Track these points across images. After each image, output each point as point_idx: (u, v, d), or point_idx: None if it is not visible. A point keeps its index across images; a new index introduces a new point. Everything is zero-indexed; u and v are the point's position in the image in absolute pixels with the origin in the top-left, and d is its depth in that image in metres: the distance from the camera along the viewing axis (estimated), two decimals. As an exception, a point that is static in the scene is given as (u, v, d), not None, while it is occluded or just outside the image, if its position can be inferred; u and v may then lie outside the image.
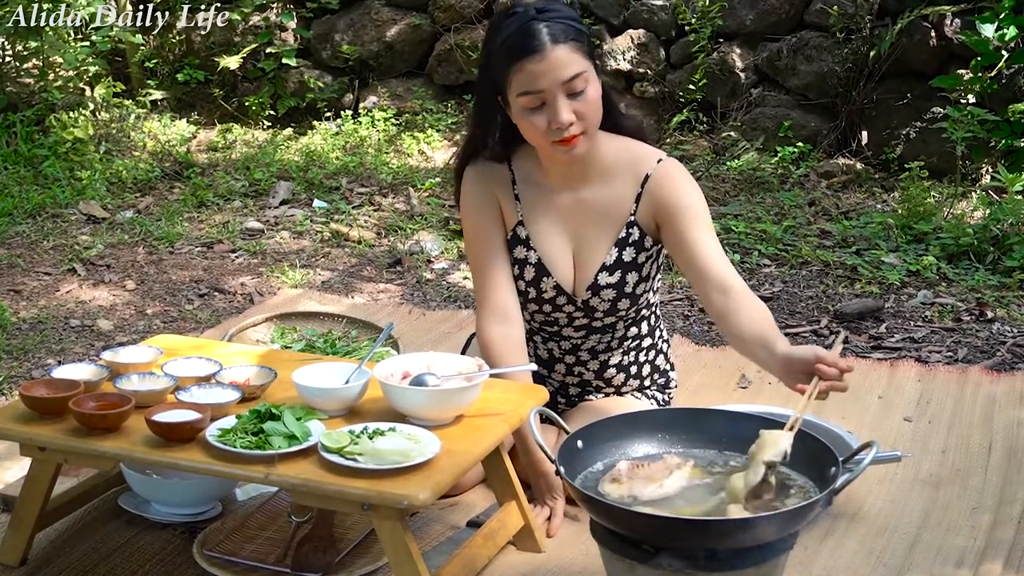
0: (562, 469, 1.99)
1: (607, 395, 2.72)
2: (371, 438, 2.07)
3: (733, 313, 2.30)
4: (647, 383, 2.73)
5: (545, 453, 2.11)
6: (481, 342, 2.57)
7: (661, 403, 2.75)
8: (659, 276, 2.65)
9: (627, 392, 2.72)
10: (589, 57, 2.39)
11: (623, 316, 2.61)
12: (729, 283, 2.34)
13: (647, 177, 2.51)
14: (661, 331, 2.76)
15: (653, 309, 2.70)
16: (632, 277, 2.55)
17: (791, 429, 2.00)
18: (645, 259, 2.56)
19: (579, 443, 2.09)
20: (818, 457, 2.01)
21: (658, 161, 2.52)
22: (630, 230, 2.53)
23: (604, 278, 2.55)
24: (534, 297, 2.60)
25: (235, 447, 2.05)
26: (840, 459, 1.97)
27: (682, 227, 2.44)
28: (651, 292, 2.63)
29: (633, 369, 2.70)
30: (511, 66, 2.36)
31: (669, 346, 2.81)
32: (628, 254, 2.54)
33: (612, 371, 2.69)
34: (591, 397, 2.72)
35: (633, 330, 2.67)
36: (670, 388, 2.78)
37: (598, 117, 2.42)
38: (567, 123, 2.36)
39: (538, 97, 2.36)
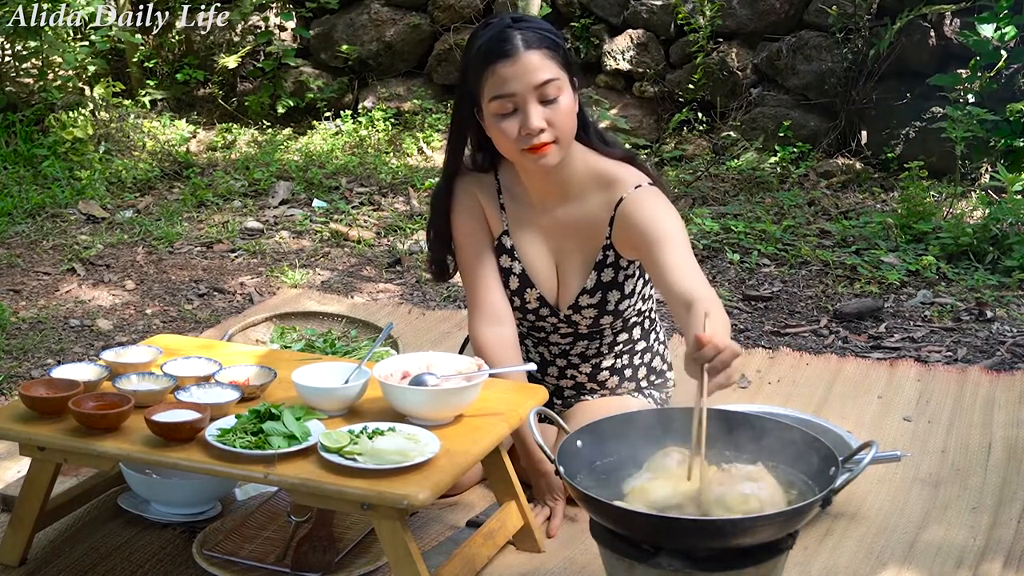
0: (562, 469, 1.99)
1: (603, 395, 2.72)
2: (371, 438, 2.07)
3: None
4: (643, 384, 2.73)
5: (545, 453, 2.11)
6: (475, 344, 2.58)
7: (659, 402, 2.75)
8: (648, 288, 2.64)
9: (623, 393, 2.72)
10: (564, 69, 2.39)
11: (610, 325, 2.62)
12: (691, 296, 2.15)
13: (620, 201, 2.47)
14: (657, 333, 2.76)
15: (646, 314, 2.70)
16: (614, 296, 2.56)
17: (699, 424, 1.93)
18: (624, 278, 2.55)
19: (579, 443, 2.09)
20: (818, 457, 2.01)
21: (636, 187, 2.47)
22: (607, 252, 2.53)
23: (585, 299, 2.56)
24: (518, 306, 2.61)
25: (234, 447, 2.05)
26: (840, 459, 1.97)
27: (653, 254, 2.35)
28: (640, 301, 2.63)
29: (628, 372, 2.70)
30: (484, 70, 2.37)
31: (666, 347, 2.81)
32: (607, 275, 2.54)
33: (605, 374, 2.69)
34: (587, 398, 2.72)
35: (623, 336, 2.67)
36: (668, 387, 2.78)
37: (570, 128, 2.40)
38: (537, 129, 2.35)
39: (510, 101, 2.36)
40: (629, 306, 2.59)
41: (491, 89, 2.37)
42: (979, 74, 4.99)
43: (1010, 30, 4.84)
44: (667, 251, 2.32)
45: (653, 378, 2.74)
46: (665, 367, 2.78)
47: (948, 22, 5.29)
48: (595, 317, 2.57)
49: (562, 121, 2.37)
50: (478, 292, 2.58)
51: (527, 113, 2.35)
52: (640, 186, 2.47)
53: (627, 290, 2.56)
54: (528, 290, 2.59)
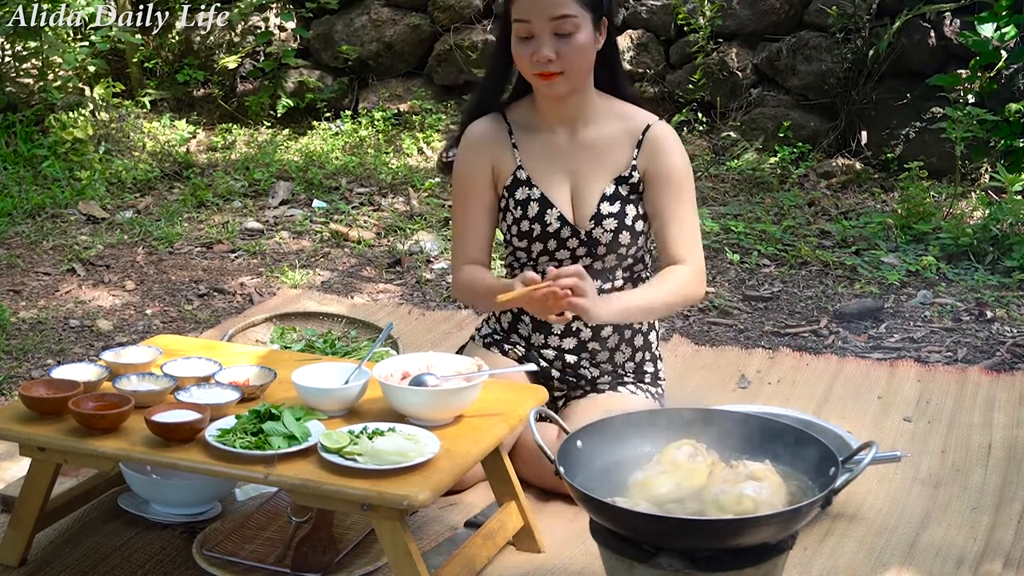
0: (562, 469, 1.99)
1: (601, 371, 2.73)
2: (371, 438, 2.07)
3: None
4: (638, 358, 2.75)
5: (545, 454, 2.11)
6: (456, 284, 2.72)
7: (656, 398, 2.76)
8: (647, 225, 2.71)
9: (623, 377, 2.74)
10: (589, 9, 2.52)
11: (622, 257, 2.66)
12: (679, 260, 2.61)
13: (648, 127, 2.65)
14: None
15: (648, 269, 2.77)
16: (631, 210, 2.65)
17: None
18: (638, 198, 2.67)
19: (579, 443, 2.09)
20: (818, 457, 2.01)
21: (660, 119, 2.68)
22: (632, 173, 2.65)
23: (606, 207, 2.64)
24: (539, 233, 2.66)
25: (234, 447, 2.05)
26: (840, 459, 1.97)
27: (664, 197, 2.63)
28: (646, 238, 2.70)
29: (627, 333, 2.73)
30: None
31: (657, 333, 2.81)
32: (625, 189, 2.66)
33: (608, 330, 2.71)
34: (585, 369, 2.73)
35: (629, 286, 2.71)
36: (660, 381, 2.80)
37: (581, 64, 2.55)
38: (545, 58, 2.51)
39: (526, 27, 2.53)
40: (641, 230, 2.67)
41: (515, 12, 2.55)
42: (979, 74, 4.99)
43: (1010, 30, 4.84)
44: (677, 203, 2.62)
45: (647, 355, 2.78)
46: (658, 353, 2.82)
47: (948, 22, 5.29)
48: (615, 231, 2.64)
49: (572, 56, 2.52)
50: (463, 244, 2.72)
51: (539, 42, 2.52)
52: (663, 119, 2.70)
53: (640, 210, 2.67)
54: (548, 211, 2.66)
